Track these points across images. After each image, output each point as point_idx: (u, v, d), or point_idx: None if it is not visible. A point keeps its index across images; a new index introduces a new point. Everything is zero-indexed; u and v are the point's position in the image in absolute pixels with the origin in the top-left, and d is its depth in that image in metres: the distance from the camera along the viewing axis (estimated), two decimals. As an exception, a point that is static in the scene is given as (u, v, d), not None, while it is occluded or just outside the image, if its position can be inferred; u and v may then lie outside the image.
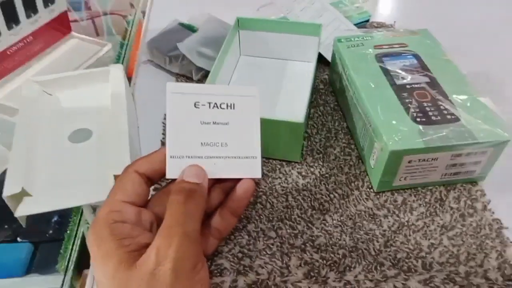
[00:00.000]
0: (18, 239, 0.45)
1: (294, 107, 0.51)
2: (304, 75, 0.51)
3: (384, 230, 0.41)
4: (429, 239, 0.41)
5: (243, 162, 0.34)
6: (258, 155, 0.35)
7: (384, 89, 0.46)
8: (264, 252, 0.40)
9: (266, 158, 0.48)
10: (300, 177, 0.46)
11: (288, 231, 0.41)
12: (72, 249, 0.42)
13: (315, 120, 0.52)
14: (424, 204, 0.44)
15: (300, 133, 0.44)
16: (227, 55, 0.55)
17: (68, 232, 0.43)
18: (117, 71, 0.51)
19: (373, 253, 0.40)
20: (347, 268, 0.38)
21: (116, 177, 0.41)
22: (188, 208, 0.30)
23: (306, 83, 0.47)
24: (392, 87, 0.46)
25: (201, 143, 0.34)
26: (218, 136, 0.34)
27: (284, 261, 0.39)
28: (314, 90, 0.57)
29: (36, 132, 0.46)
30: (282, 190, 0.45)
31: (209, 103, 0.34)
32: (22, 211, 0.39)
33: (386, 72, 0.48)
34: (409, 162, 0.41)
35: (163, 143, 0.50)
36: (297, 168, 0.47)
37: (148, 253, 0.28)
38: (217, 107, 0.34)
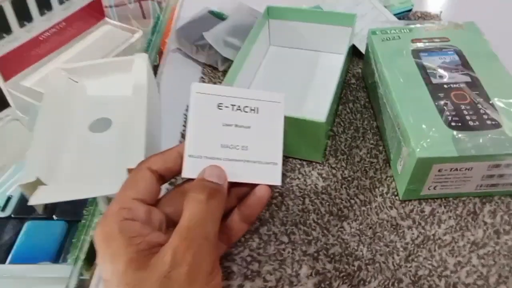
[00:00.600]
0: (54, 217, 0.45)
1: (320, 103, 0.48)
2: (334, 69, 0.48)
3: (407, 243, 0.38)
4: (456, 256, 0.37)
5: (263, 168, 0.33)
6: (279, 161, 0.33)
7: (418, 88, 0.42)
8: (274, 258, 0.38)
9: (285, 156, 0.45)
10: (320, 179, 0.43)
11: (302, 236, 0.39)
12: (84, 239, 0.42)
13: (342, 118, 0.49)
14: (455, 217, 0.40)
15: (322, 133, 0.41)
16: (254, 44, 0.53)
17: (83, 221, 0.43)
18: (141, 60, 0.50)
19: (392, 267, 0.37)
20: (362, 282, 0.36)
21: (129, 171, 0.40)
22: (209, 208, 0.29)
23: (334, 77, 0.44)
24: (427, 86, 0.42)
25: (221, 145, 0.32)
26: (239, 139, 0.33)
27: (294, 269, 0.37)
28: (345, 85, 0.53)
29: (59, 119, 0.46)
30: (300, 192, 0.42)
31: (233, 106, 0.33)
32: (35, 200, 0.39)
33: (422, 69, 0.44)
34: (439, 171, 0.38)
35: (183, 136, 0.49)
36: (318, 169, 0.44)
37: (163, 254, 0.27)
38: (240, 110, 0.33)
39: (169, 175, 0.32)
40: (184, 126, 0.50)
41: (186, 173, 0.31)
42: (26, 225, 0.45)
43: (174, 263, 0.26)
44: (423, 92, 0.41)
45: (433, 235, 0.39)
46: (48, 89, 0.49)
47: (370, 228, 0.39)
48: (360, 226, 0.39)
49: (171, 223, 0.31)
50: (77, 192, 0.40)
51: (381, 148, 0.46)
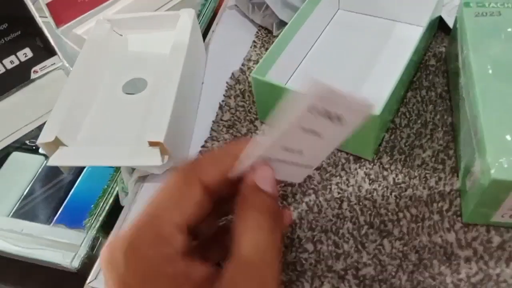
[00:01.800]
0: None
1: (383, 87, 0.39)
2: (409, 44, 0.39)
3: (460, 280, 0.31)
4: (523, 310, 0.29)
5: (297, 169, 0.27)
6: (315, 165, 0.28)
7: (511, 82, 0.32)
8: (293, 267, 0.32)
9: (330, 147, 0.39)
10: (366, 180, 0.36)
11: (330, 248, 0.33)
12: (103, 207, 0.40)
13: (409, 107, 0.40)
14: (533, 257, 0.31)
15: (374, 127, 0.34)
16: (317, 5, 0.45)
17: (105, 187, 0.41)
18: (186, 16, 0.45)
19: (434, 307, 0.30)
20: (392, 318, 0.29)
21: (151, 144, 0.36)
22: (276, 240, 0.23)
23: (406, 55, 0.36)
24: (525, 82, 0.32)
25: (285, 147, 0.26)
26: (302, 143, 0.26)
27: (314, 286, 0.31)
28: (421, 66, 0.44)
29: (93, 74, 0.43)
30: (338, 193, 0.36)
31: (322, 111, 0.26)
32: (54, 161, 0.37)
33: (524, 58, 0.33)
34: (521, 198, 0.29)
35: (221, 107, 0.44)
36: (366, 168, 0.37)
37: None
38: (324, 116, 0.26)
39: (221, 191, 0.25)
40: (225, 95, 0.45)
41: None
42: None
43: None
44: (518, 89, 0.31)
45: (498, 275, 0.30)
46: (90, 39, 0.46)
47: (416, 252, 0.32)
48: (405, 248, 0.32)
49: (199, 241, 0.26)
50: (97, 158, 0.37)
51: (451, 152, 0.37)
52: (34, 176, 0.45)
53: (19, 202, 0.43)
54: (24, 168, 0.46)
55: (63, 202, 0.41)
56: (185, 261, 0.22)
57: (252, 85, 0.39)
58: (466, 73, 0.35)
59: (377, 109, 0.33)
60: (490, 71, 0.33)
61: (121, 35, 0.48)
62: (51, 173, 0.44)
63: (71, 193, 0.42)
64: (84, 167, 0.45)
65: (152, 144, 0.36)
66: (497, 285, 0.30)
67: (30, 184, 0.44)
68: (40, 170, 0.45)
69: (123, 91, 0.43)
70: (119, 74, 0.44)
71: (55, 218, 0.40)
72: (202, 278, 0.22)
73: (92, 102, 0.42)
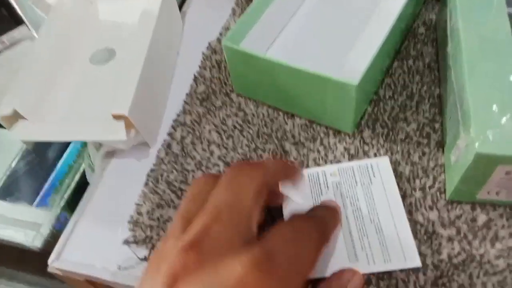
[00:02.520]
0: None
1: (367, 56, 0.37)
2: (395, 10, 0.36)
3: (441, 260, 0.29)
4: (507, 292, 0.27)
5: None
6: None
7: (502, 54, 0.29)
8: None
9: (309, 121, 0.36)
10: (346, 155, 0.34)
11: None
12: (68, 184, 0.37)
13: (395, 78, 0.38)
14: (519, 236, 0.29)
15: (352, 98, 0.31)
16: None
17: (71, 163, 0.39)
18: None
19: (412, 289, 0.28)
20: (367, 300, 0.28)
21: (115, 117, 0.34)
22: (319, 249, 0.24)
23: (389, 21, 0.33)
24: (517, 49, 0.29)
25: None
26: None
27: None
28: (409, 34, 0.41)
29: (59, 43, 0.41)
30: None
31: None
32: (16, 134, 0.35)
33: (516, 24, 0.31)
34: (507, 173, 0.27)
35: (195, 78, 0.41)
36: (346, 143, 0.35)
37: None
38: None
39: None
40: (200, 67, 0.42)
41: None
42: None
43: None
44: (508, 55, 0.29)
45: (481, 256, 0.28)
46: (57, 6, 0.43)
47: (395, 231, 0.30)
48: (383, 227, 0.30)
49: None
50: (58, 133, 0.35)
51: (437, 126, 0.35)
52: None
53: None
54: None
55: (27, 180, 0.39)
56: None
57: (225, 55, 0.36)
58: (454, 41, 0.32)
59: (355, 80, 0.30)
60: (480, 38, 0.30)
61: (91, 2, 0.45)
62: (17, 149, 0.42)
63: (36, 170, 0.40)
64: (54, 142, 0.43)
65: (116, 117, 0.34)
66: (480, 266, 0.28)
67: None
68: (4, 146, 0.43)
69: (90, 61, 0.40)
70: (87, 43, 0.42)
71: (18, 195, 0.38)
72: None
73: (57, 73, 0.39)
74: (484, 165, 0.26)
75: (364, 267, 0.27)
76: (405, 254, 0.28)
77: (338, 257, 0.28)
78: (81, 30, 0.43)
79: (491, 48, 0.29)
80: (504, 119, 0.26)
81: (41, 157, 0.40)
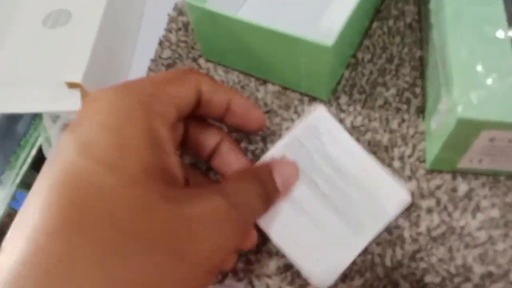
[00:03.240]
0: None
1: (344, 14, 0.34)
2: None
3: (419, 233, 0.27)
4: (487, 265, 0.26)
5: None
6: None
7: (487, 4, 0.27)
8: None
9: (282, 88, 0.34)
10: (321, 123, 0.32)
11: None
12: (24, 160, 0.35)
13: (374, 40, 0.35)
14: (501, 206, 0.27)
15: (327, 61, 0.29)
16: None
17: (26, 136, 0.36)
18: None
19: (388, 264, 0.26)
20: (342, 276, 0.26)
21: (70, 85, 0.31)
22: (256, 203, 0.23)
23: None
24: (504, 1, 0.27)
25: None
26: None
27: (256, 243, 0.27)
28: (391, -8, 0.38)
29: (8, 4, 0.37)
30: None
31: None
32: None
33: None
34: (491, 140, 0.25)
35: (160, 42, 0.38)
36: (321, 110, 0.32)
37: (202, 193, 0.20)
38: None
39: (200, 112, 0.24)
40: (166, 30, 0.39)
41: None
42: None
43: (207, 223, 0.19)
44: (495, 10, 0.26)
45: (462, 228, 0.27)
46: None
47: (372, 203, 0.28)
48: (359, 199, 0.28)
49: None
50: (6, 103, 0.32)
51: (418, 90, 0.32)
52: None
53: None
54: None
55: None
56: (170, 142, 0.20)
57: (189, 15, 0.33)
58: (437, -5, 0.29)
59: (330, 41, 0.27)
60: (464, -9, 0.28)
61: (45, -41, 0.41)
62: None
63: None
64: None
65: (71, 85, 0.31)
66: (461, 239, 0.27)
67: None
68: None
69: (43, 24, 0.37)
70: (40, 4, 0.38)
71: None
72: (173, 170, 0.20)
73: (6, 36, 0.36)
74: (467, 130, 0.24)
75: (369, 232, 0.25)
76: (396, 197, 0.26)
77: (339, 233, 0.25)
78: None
79: (476, 2, 0.27)
80: (489, 80, 0.24)
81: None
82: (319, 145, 0.27)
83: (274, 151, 0.27)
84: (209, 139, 0.26)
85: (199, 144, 0.26)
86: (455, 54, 0.25)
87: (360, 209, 0.25)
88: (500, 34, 0.25)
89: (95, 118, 0.18)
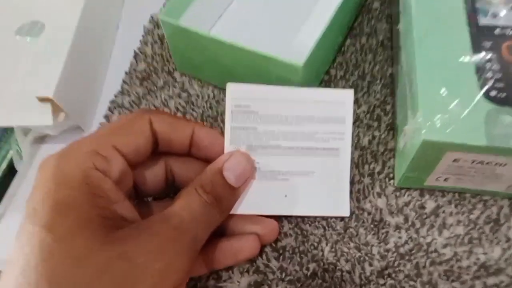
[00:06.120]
0: None
1: (313, 34, 0.34)
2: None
3: (387, 250, 0.28)
4: (452, 281, 0.26)
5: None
6: None
7: (453, 28, 0.28)
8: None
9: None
10: (293, 140, 0.32)
11: (248, 217, 0.29)
12: (-6, 173, 0.34)
13: (347, 57, 0.36)
14: (466, 223, 0.28)
15: (298, 80, 0.29)
16: None
17: (-4, 150, 0.35)
18: None
19: (357, 281, 0.27)
20: (310, 294, 0.26)
21: (41, 100, 0.31)
22: (209, 216, 0.24)
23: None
24: (469, 27, 0.28)
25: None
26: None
27: (227, 260, 0.28)
28: (364, 9, 0.39)
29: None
30: (261, 154, 0.32)
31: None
32: None
33: (470, -1, 0.29)
34: (455, 160, 0.25)
35: (135, 55, 0.38)
36: (294, 126, 0.33)
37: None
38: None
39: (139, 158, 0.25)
40: (142, 42, 0.39)
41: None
42: None
43: (150, 253, 0.20)
44: (460, 35, 0.27)
45: (428, 244, 0.28)
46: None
47: (342, 219, 0.29)
48: (329, 217, 0.29)
49: (140, 194, 0.26)
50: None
51: (388, 108, 0.33)
52: None
53: None
54: None
55: None
56: (114, 187, 0.22)
57: (164, 30, 0.33)
58: (406, 15, 0.30)
59: (301, 59, 0.28)
60: (432, 11, 0.28)
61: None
62: None
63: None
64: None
65: (42, 100, 0.31)
66: (427, 255, 0.27)
67: None
68: None
69: (16, 34, 0.36)
70: (13, 14, 0.37)
71: None
72: (120, 216, 0.21)
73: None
74: (432, 152, 0.25)
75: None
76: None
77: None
78: (6, 1, 0.38)
79: (443, 27, 0.28)
80: (452, 104, 0.24)
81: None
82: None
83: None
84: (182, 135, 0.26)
85: (172, 146, 0.26)
86: (421, 78, 0.26)
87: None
88: (464, 59, 0.26)
89: (40, 186, 0.20)
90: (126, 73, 0.37)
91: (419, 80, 0.26)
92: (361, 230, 0.28)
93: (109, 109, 0.35)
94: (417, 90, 0.25)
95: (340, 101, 0.27)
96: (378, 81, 0.34)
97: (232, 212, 0.26)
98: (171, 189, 0.28)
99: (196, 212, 0.23)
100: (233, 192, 0.25)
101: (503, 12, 0.28)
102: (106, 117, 0.35)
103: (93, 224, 0.20)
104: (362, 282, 0.27)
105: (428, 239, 0.28)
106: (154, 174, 0.26)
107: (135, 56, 0.38)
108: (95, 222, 0.20)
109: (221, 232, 0.26)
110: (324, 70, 0.35)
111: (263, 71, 0.30)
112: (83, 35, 0.34)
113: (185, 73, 0.36)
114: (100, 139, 0.23)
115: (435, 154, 0.25)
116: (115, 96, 0.36)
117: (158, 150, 0.25)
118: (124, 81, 0.36)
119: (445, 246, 0.28)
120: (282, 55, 0.28)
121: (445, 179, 0.28)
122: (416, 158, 0.26)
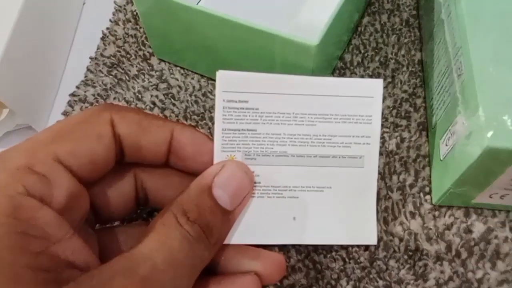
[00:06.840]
0: None
1: (325, 12, 0.27)
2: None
3: (427, 289, 0.21)
4: (515, 333, 0.20)
5: None
6: None
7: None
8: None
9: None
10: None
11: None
12: None
13: (365, 39, 0.29)
14: (527, 252, 0.22)
15: (309, 64, 0.22)
16: None
17: None
18: None
19: (389, 332, 0.20)
20: None
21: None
22: (195, 256, 0.17)
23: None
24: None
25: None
26: None
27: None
28: (383, -18, 0.32)
29: None
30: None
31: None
32: None
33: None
34: (523, 174, 0.19)
35: (104, 37, 0.31)
36: (302, 126, 0.26)
37: None
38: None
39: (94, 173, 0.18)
40: (112, 21, 0.31)
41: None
42: None
43: None
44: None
45: (479, 281, 0.21)
46: None
47: (366, 249, 0.22)
48: (350, 245, 0.22)
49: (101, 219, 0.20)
50: None
51: (419, 102, 0.26)
52: None
53: None
54: None
55: None
56: (56, 219, 0.15)
57: (136, 4, 0.26)
58: (447, -16, 0.23)
59: (315, 39, 0.21)
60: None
61: None
62: None
63: None
64: None
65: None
66: (479, 296, 0.21)
67: None
68: None
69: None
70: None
71: None
72: (65, 262, 0.15)
73: None
74: (495, 162, 0.18)
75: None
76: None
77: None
78: None
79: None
80: (527, 98, 0.18)
81: None
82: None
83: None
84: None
85: (143, 154, 0.19)
86: (477, 62, 0.19)
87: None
88: (538, 35, 0.19)
89: None
90: (91, 58, 0.30)
91: (476, 66, 0.19)
92: (392, 263, 0.22)
93: (69, 103, 0.28)
94: (473, 78, 0.19)
95: (365, 95, 0.20)
96: (404, 69, 0.28)
97: (225, 242, 0.19)
98: (143, 210, 0.21)
99: (176, 253, 0.16)
100: (227, 217, 0.18)
101: None
102: (66, 113, 0.28)
103: (22, 283, 0.13)
104: (396, 334, 0.20)
105: (479, 274, 0.21)
106: (119, 193, 0.19)
107: (103, 37, 0.31)
108: (24, 278, 0.14)
109: (209, 269, 0.19)
110: (338, 55, 0.28)
111: (264, 54, 0.23)
112: (35, 9, 0.27)
113: (165, 59, 0.29)
114: (36, 148, 0.16)
115: (498, 165, 0.19)
116: (77, 87, 0.29)
117: (124, 160, 0.19)
118: (88, 69, 0.29)
119: (501, 283, 0.21)
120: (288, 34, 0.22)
121: (502, 196, 0.21)
122: (470, 171, 0.19)
